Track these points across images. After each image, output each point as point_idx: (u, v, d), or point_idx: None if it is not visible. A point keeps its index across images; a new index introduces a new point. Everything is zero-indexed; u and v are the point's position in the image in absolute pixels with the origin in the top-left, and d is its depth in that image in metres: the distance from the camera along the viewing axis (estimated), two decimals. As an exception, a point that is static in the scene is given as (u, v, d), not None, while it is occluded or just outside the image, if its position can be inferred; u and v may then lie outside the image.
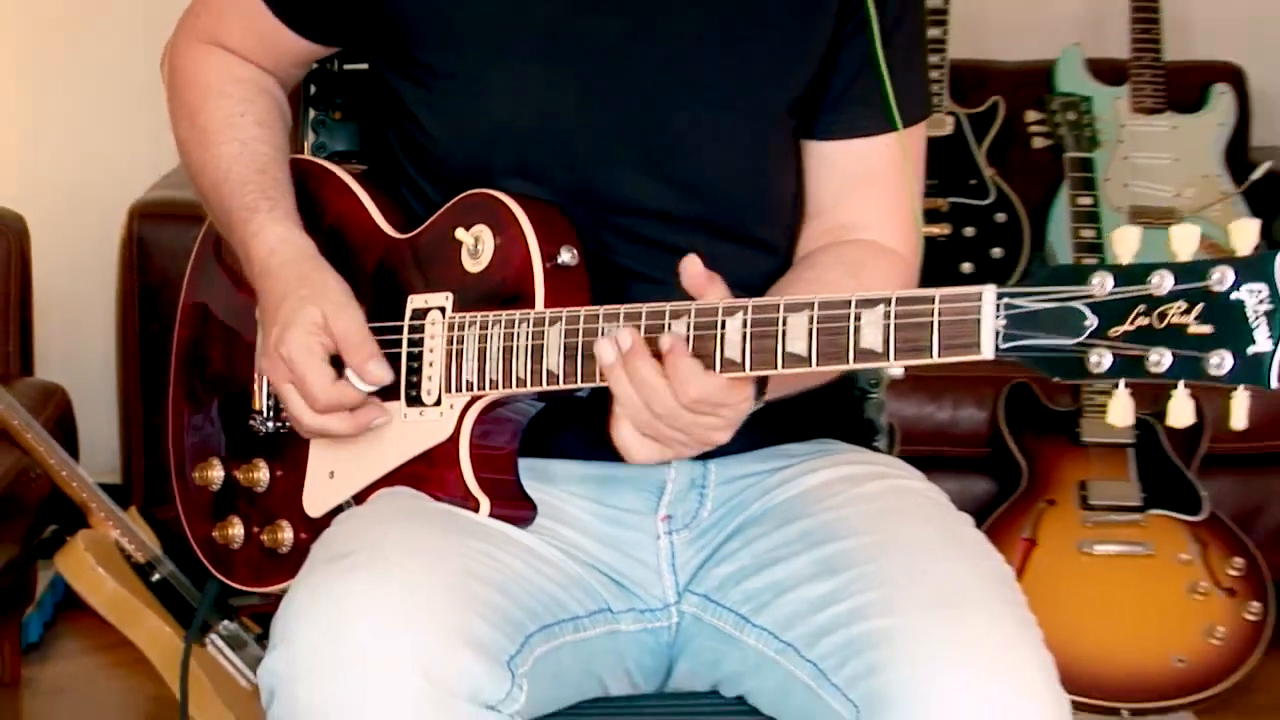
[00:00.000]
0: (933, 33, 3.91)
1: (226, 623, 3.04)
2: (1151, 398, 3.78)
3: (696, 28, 1.91)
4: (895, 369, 2.09)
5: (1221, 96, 4.18)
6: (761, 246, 1.96)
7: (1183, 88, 4.17)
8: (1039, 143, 4.01)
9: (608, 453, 1.77)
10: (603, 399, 1.72)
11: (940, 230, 3.97)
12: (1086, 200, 3.86)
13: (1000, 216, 4.04)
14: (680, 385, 1.66)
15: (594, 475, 1.92)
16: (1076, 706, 3.37)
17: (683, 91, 1.91)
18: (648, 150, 1.91)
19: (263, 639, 3.06)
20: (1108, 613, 3.46)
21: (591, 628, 1.86)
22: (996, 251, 3.99)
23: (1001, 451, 3.66)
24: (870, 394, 2.13)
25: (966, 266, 3.95)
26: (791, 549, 1.84)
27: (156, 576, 3.07)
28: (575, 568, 1.87)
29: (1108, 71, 4.17)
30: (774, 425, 1.90)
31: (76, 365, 3.92)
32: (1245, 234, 1.46)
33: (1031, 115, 4.04)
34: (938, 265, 3.48)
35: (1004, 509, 3.56)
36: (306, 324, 1.83)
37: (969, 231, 4.02)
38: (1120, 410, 1.51)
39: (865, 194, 1.98)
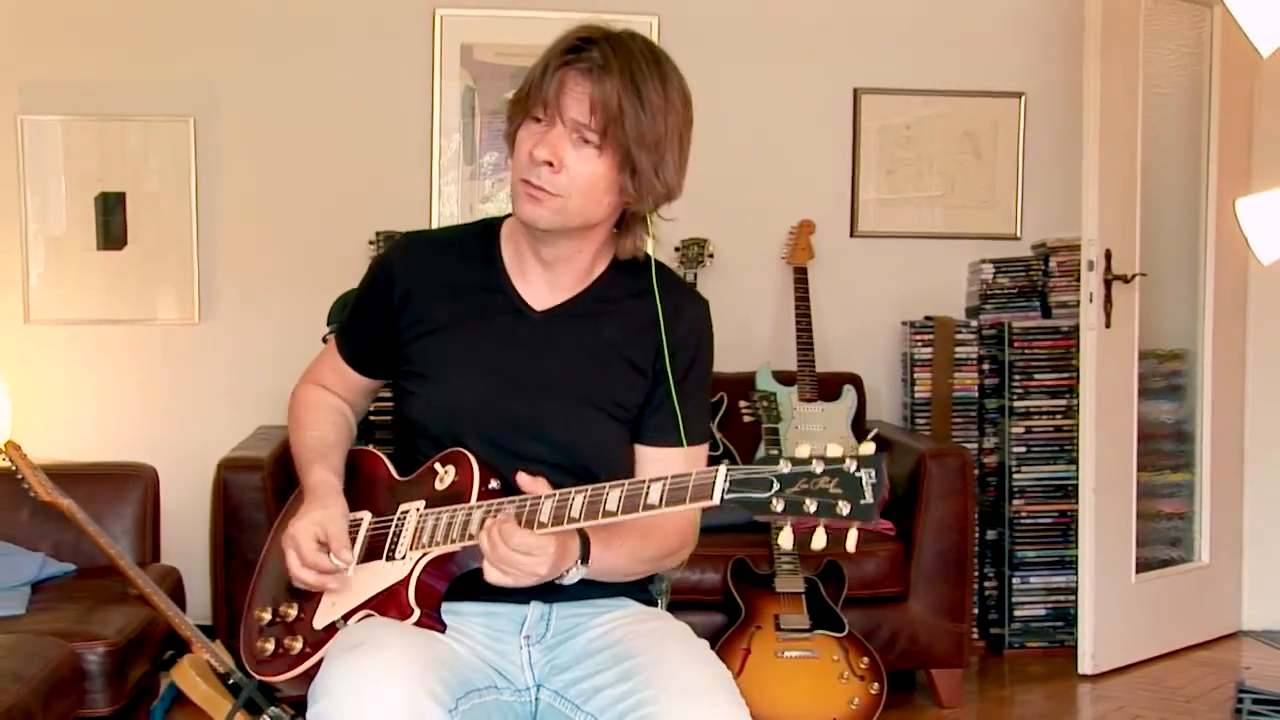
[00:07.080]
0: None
1: (273, 709, 2.81)
2: (815, 565, 3.50)
3: (571, 366, 1.97)
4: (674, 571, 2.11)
5: (849, 392, 4.14)
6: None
7: (827, 387, 4.10)
8: (747, 418, 3.98)
9: (490, 598, 1.89)
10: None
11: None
12: (775, 452, 3.78)
13: (728, 462, 3.69)
14: (506, 538, 1.74)
15: (483, 611, 1.94)
16: (773, 751, 3.43)
17: (561, 396, 1.96)
18: (539, 426, 1.94)
19: (296, 717, 2.80)
20: (794, 692, 3.40)
21: (489, 695, 1.86)
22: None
23: (729, 598, 3.57)
24: (654, 578, 2.10)
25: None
26: (603, 663, 1.86)
27: (232, 682, 2.86)
28: (475, 660, 1.90)
29: (786, 377, 4.10)
30: (595, 589, 1.95)
31: (186, 555, 3.71)
32: (866, 449, 1.58)
33: (743, 403, 4.00)
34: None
35: (731, 632, 3.49)
36: (310, 523, 1.93)
37: (709, 473, 3.81)
38: (786, 538, 1.54)
39: None
